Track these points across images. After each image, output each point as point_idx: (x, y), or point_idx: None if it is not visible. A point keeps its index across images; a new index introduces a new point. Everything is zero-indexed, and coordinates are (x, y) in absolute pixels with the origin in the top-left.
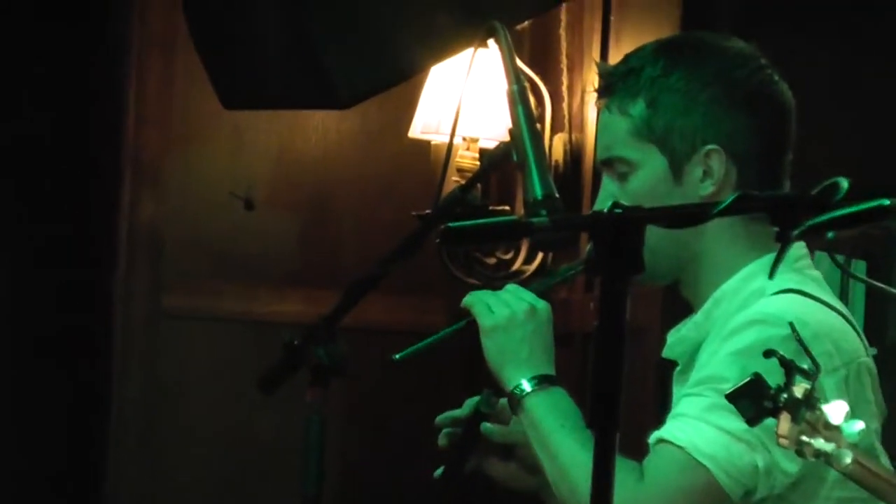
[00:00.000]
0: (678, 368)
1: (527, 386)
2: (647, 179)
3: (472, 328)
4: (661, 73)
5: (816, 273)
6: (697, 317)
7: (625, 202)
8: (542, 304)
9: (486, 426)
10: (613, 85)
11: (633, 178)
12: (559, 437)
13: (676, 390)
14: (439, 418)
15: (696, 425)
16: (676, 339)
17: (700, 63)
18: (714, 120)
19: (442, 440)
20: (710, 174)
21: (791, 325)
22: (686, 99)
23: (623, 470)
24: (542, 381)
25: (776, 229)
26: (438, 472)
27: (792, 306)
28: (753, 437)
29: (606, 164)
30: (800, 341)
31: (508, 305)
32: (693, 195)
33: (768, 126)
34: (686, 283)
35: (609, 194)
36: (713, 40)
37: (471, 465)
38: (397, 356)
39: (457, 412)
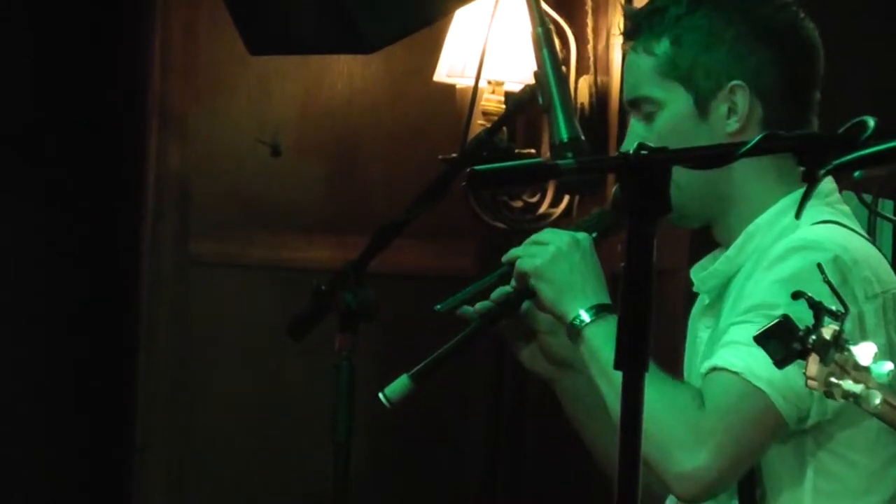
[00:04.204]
0: (705, 303)
1: (586, 316)
2: (672, 118)
3: (511, 272)
4: (685, 11)
5: (846, 208)
6: (730, 252)
7: (651, 142)
8: (582, 235)
9: (528, 304)
10: (639, 26)
11: (658, 118)
12: None
13: (695, 325)
14: (495, 293)
15: (751, 351)
16: (708, 274)
17: (724, 1)
18: (739, 56)
19: (467, 310)
20: (734, 110)
21: (819, 265)
22: (710, 36)
23: (684, 396)
24: (600, 311)
25: (803, 168)
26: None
27: (833, 234)
28: None
29: (633, 104)
30: (842, 268)
31: (550, 242)
32: (719, 132)
33: (793, 62)
34: (716, 223)
35: (636, 135)
36: None
37: (502, 331)
38: (439, 306)
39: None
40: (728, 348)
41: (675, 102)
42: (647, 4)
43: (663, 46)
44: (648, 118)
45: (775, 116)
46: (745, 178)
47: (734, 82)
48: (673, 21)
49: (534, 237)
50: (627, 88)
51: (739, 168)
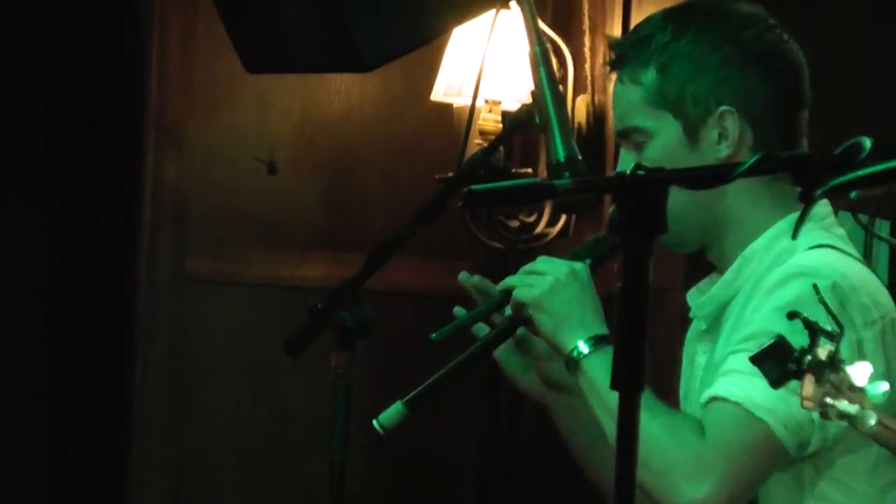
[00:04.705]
0: (702, 328)
1: (584, 347)
2: (663, 147)
3: (507, 300)
4: (670, 38)
5: (842, 231)
6: (726, 276)
7: None
8: (579, 265)
9: (524, 330)
10: (624, 55)
11: (649, 147)
12: None
13: (691, 350)
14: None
15: (751, 380)
16: (705, 299)
17: (708, 26)
18: (726, 81)
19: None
20: (725, 136)
21: (814, 286)
22: (696, 62)
23: (685, 427)
24: (598, 341)
25: (799, 189)
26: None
27: (831, 259)
28: None
29: (623, 135)
30: (840, 295)
31: (547, 272)
32: (710, 158)
33: (781, 84)
34: (712, 247)
35: (627, 165)
36: (720, 3)
37: (498, 355)
38: (435, 335)
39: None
40: (728, 377)
41: (665, 131)
42: (631, 33)
43: (650, 76)
44: (639, 148)
45: (765, 139)
46: (740, 203)
47: (723, 108)
48: (659, 49)
49: (529, 266)
50: (616, 119)
51: (733, 192)
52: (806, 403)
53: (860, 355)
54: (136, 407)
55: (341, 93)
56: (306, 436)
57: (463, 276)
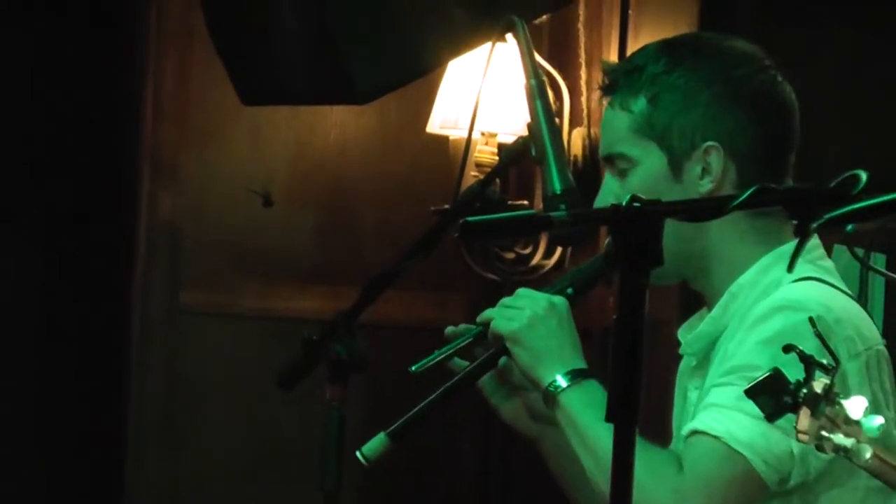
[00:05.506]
0: (692, 364)
1: (562, 381)
2: (646, 176)
3: (486, 333)
4: (662, 70)
5: (830, 264)
6: (714, 312)
7: (624, 199)
8: (558, 299)
9: (505, 360)
10: (616, 82)
11: (632, 175)
12: (597, 432)
13: (683, 385)
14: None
15: (731, 414)
16: (695, 336)
17: (702, 61)
18: (714, 117)
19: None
20: (708, 171)
21: (811, 319)
22: (687, 96)
23: (664, 462)
24: (576, 376)
25: (794, 222)
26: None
27: (815, 292)
28: (788, 423)
29: (608, 160)
30: (824, 328)
31: (526, 307)
32: (692, 192)
33: (769, 125)
34: (695, 280)
35: (610, 191)
36: (716, 40)
37: (483, 388)
38: (414, 368)
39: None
40: (709, 411)
41: (650, 161)
42: (625, 61)
43: (640, 105)
44: (622, 175)
45: (749, 177)
46: (724, 237)
47: (708, 143)
48: (650, 79)
49: (508, 300)
50: (603, 144)
51: (716, 226)
52: (802, 437)
53: (844, 388)
54: (131, 437)
55: (337, 125)
56: (300, 467)
57: (449, 329)
